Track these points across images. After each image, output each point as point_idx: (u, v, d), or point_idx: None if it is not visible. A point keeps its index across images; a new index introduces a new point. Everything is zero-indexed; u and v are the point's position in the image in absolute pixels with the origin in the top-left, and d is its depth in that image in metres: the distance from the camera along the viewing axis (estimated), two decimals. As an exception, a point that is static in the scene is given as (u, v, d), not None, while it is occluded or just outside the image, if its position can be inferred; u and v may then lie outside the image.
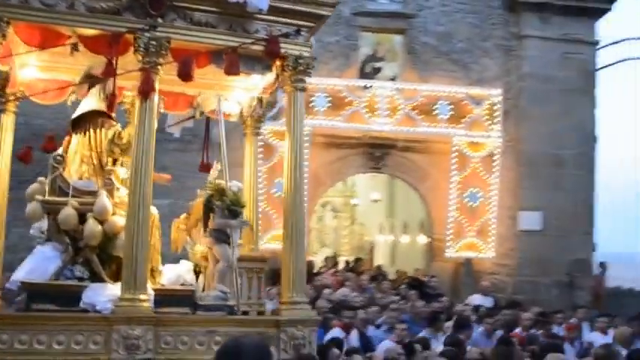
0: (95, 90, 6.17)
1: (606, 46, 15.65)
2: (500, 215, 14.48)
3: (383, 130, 14.12)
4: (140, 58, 5.39)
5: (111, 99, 5.67)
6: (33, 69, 6.10)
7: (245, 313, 5.79)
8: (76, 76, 6.26)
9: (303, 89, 5.92)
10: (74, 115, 6.14)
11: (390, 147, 14.46)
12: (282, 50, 5.70)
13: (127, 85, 6.26)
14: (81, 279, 5.58)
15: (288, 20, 5.80)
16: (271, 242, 12.16)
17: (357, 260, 17.21)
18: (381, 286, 13.00)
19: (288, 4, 5.75)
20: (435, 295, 12.27)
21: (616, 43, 15.70)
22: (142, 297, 5.25)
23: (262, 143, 12.11)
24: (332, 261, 16.76)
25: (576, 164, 14.94)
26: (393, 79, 14.73)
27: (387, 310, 10.14)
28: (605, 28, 15.90)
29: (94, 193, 5.83)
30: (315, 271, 14.63)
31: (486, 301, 12.73)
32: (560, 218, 14.47)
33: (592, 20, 15.29)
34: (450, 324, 9.71)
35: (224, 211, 5.79)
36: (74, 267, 5.64)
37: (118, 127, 6.22)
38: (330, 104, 14.02)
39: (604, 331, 10.90)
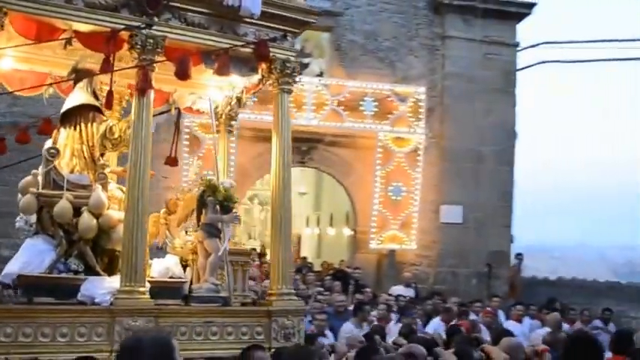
0: (82, 84, 6.13)
1: (526, 48, 16.23)
2: (423, 209, 14.89)
3: (310, 125, 14.27)
4: (136, 55, 5.46)
5: (109, 95, 5.57)
6: (9, 60, 6.00)
7: (246, 304, 6.04)
8: (54, 68, 6.27)
9: (289, 91, 6.16)
10: (64, 108, 6.09)
11: (316, 141, 14.66)
12: (271, 54, 5.88)
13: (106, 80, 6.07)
14: (76, 272, 5.58)
15: (275, 25, 5.99)
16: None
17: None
18: (305, 278, 13.22)
19: (276, 10, 5.94)
20: (359, 286, 12.60)
21: (535, 46, 16.31)
22: (142, 289, 5.32)
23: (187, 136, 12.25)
24: (258, 253, 16.86)
25: (496, 160, 15.48)
26: (320, 75, 14.93)
27: (310, 301, 10.32)
28: (525, 31, 16.53)
29: (87, 187, 5.85)
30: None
31: (408, 292, 13.17)
32: (480, 212, 15.00)
33: (513, 23, 15.86)
34: (375, 314, 10.08)
35: (216, 207, 5.96)
36: (68, 260, 5.64)
37: (109, 121, 6.22)
38: (257, 98, 14.11)
39: (519, 320, 11.43)
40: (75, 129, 6.08)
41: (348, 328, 9.09)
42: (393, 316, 10.33)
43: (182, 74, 5.52)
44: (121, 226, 5.60)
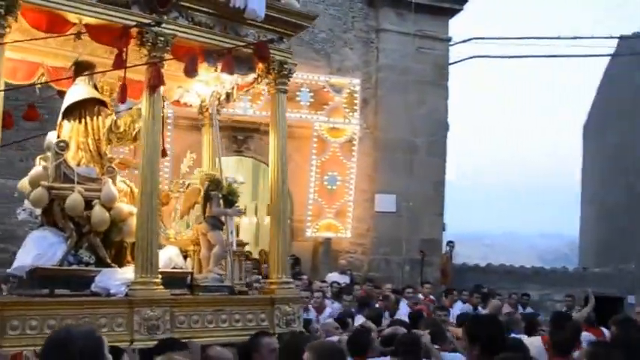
0: (84, 77, 6.17)
1: (457, 43, 16.65)
2: (358, 198, 15.15)
3: (246, 115, 14.38)
4: (146, 52, 5.54)
5: (123, 90, 5.62)
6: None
7: (242, 292, 6.29)
8: (45, 58, 6.33)
9: (285, 91, 6.43)
10: (69, 102, 6.11)
11: (252, 131, 14.77)
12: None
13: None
14: (87, 264, 5.68)
15: (273, 28, 6.22)
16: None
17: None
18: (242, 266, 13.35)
19: (277, 14, 6.18)
20: (295, 274, 12.82)
21: (466, 41, 16.74)
22: (157, 280, 5.46)
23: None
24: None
25: (429, 150, 15.85)
26: (257, 65, 15.00)
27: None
28: (457, 26, 17.00)
29: (95, 180, 5.94)
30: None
31: (343, 279, 13.49)
32: (413, 201, 15.31)
33: (445, 19, 16.17)
34: (312, 302, 10.33)
35: (220, 201, 6.24)
36: (78, 252, 5.72)
37: (114, 115, 6.30)
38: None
39: (450, 305, 11.87)
40: (80, 122, 6.14)
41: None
42: (328, 302, 10.62)
43: (191, 72, 5.69)
44: (132, 219, 5.80)
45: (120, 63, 5.34)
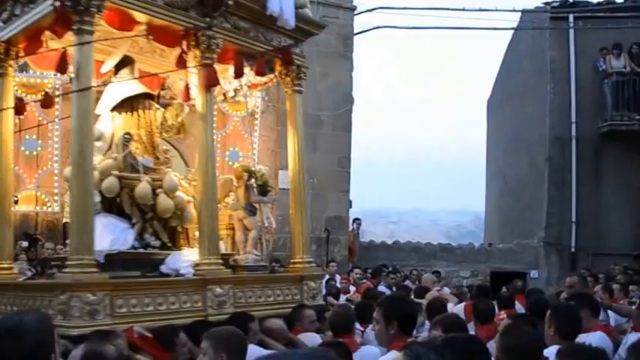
0: (125, 72, 6.43)
1: (362, 12, 16.25)
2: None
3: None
4: (200, 53, 5.88)
5: (186, 89, 6.33)
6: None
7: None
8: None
9: (301, 92, 7.03)
10: (124, 95, 6.36)
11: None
12: None
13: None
14: (153, 248, 6.14)
15: (290, 34, 6.68)
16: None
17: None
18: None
19: (297, 22, 6.55)
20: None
21: (371, 10, 16.36)
22: (219, 261, 5.99)
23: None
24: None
25: (334, 125, 15.40)
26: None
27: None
28: (362, -5, 16.52)
29: (154, 170, 6.43)
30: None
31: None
32: (317, 177, 14.88)
33: (350, -14, 15.74)
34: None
35: (254, 189, 6.94)
36: (144, 237, 6.15)
37: (162, 110, 6.79)
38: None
39: (356, 284, 11.52)
40: (132, 115, 6.49)
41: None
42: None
43: (239, 73, 6.26)
44: (190, 206, 6.44)
45: (182, 63, 5.84)
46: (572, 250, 16.07)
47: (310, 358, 1.42)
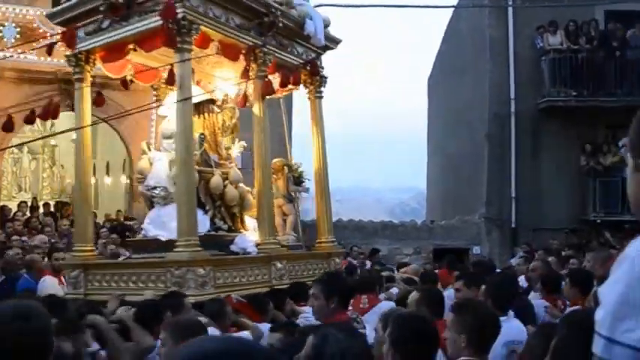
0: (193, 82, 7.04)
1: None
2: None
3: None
4: (256, 67, 6.90)
5: (244, 96, 7.50)
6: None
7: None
8: (154, 62, 7.45)
9: (322, 97, 8.26)
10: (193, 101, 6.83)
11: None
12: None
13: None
14: (223, 230, 7.16)
15: (314, 48, 7.89)
16: None
17: (61, 204, 16.27)
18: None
19: None
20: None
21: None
22: (275, 241, 7.19)
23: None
24: (26, 206, 15.53)
25: (275, 102, 15.20)
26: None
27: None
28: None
29: (220, 165, 7.37)
30: (10, 217, 13.54)
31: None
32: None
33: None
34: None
35: (292, 180, 8.34)
36: (215, 222, 7.14)
37: (221, 112, 7.67)
38: (19, 35, 12.78)
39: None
40: (198, 117, 7.29)
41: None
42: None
43: (285, 84, 7.32)
44: (249, 195, 7.46)
45: (246, 74, 6.94)
46: (513, 225, 16.32)
47: (223, 343, 1.39)
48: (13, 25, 12.74)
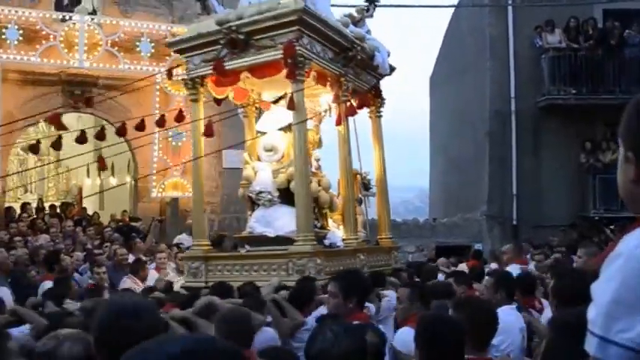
0: (283, 102, 7.51)
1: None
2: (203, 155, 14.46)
3: (82, 67, 13.37)
4: (340, 92, 7.79)
5: (338, 117, 7.84)
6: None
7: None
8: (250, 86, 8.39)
9: (381, 116, 9.22)
10: (288, 121, 7.49)
11: (90, 85, 13.81)
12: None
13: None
14: (316, 228, 7.80)
15: (375, 74, 8.90)
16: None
17: (65, 205, 16.39)
18: (86, 231, 12.54)
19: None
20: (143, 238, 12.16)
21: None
22: (356, 237, 8.18)
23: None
24: (32, 207, 15.65)
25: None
26: (92, 14, 13.90)
27: (90, 256, 10.03)
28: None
29: (314, 174, 8.11)
30: (15, 218, 13.66)
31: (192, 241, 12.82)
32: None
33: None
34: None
35: (362, 186, 9.34)
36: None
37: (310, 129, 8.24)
38: (22, 37, 12.94)
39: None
40: (285, 133, 7.93)
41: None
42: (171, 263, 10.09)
43: (362, 107, 8.27)
44: (336, 199, 8.40)
45: (337, 99, 7.83)
46: (514, 222, 16.44)
47: (194, 343, 1.39)
48: (16, 27, 12.88)
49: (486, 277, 6.39)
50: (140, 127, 7.74)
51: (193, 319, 4.58)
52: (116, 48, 13.59)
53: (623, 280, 1.44)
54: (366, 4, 8.69)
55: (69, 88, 13.82)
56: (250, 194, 8.00)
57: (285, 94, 7.46)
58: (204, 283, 7.22)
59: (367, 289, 4.88)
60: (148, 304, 2.46)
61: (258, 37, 7.06)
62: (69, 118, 17.10)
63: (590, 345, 1.47)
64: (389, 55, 8.82)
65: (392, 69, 9.15)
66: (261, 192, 7.86)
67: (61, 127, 7.28)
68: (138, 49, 13.76)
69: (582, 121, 16.09)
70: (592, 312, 1.49)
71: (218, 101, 8.28)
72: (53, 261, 8.94)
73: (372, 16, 8.73)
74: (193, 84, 7.76)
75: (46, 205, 16.80)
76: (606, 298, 1.46)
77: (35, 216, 14.45)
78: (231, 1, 8.99)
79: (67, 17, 13.40)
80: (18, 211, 14.52)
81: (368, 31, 8.57)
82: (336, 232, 8.17)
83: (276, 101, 7.63)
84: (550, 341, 2.68)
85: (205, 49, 7.39)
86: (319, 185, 8.16)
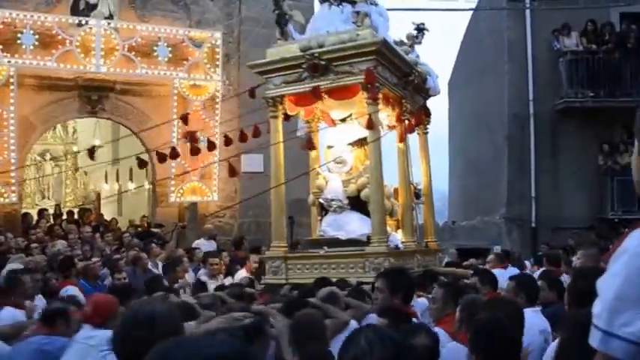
0: (351, 119, 8.68)
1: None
2: (223, 158, 14.45)
3: (99, 72, 13.40)
4: (401, 113, 8.47)
5: (403, 130, 8.55)
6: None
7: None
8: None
9: (427, 133, 9.74)
10: (359, 137, 8.50)
11: (107, 90, 13.84)
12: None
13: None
14: None
15: (423, 95, 9.43)
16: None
17: (83, 211, 16.46)
18: (104, 237, 12.56)
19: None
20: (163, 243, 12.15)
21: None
22: (413, 240, 8.84)
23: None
24: (50, 213, 15.69)
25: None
26: (109, 18, 13.86)
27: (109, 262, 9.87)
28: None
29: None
30: (32, 224, 13.72)
31: (210, 245, 12.79)
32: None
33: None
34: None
35: (413, 194, 9.38)
36: None
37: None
38: (38, 42, 12.99)
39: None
40: (359, 148, 8.68)
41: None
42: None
43: (418, 125, 9.03)
44: (395, 207, 8.83)
45: (399, 118, 8.46)
46: (533, 225, 16.35)
47: (218, 346, 1.42)
48: (32, 32, 12.94)
49: (508, 281, 6.35)
50: (174, 155, 8.65)
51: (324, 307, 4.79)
52: (133, 52, 13.58)
53: (627, 275, 1.48)
54: (416, 32, 9.41)
55: (85, 93, 13.83)
56: (322, 201, 8.76)
57: (351, 114, 8.68)
58: (284, 280, 7.99)
59: (412, 286, 5.18)
60: (164, 313, 2.39)
61: (337, 63, 7.86)
62: (87, 123, 17.28)
63: (595, 339, 1.51)
64: (437, 77, 9.64)
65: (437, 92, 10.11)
66: (332, 199, 8.63)
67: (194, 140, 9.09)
68: (155, 53, 13.77)
69: (600, 123, 16.00)
70: (597, 307, 1.53)
71: (287, 117, 8.75)
72: (68, 266, 8.80)
73: (420, 42, 9.42)
74: (274, 102, 8.39)
75: (64, 211, 16.85)
76: (610, 294, 1.50)
77: (53, 222, 14.50)
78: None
79: (84, 22, 13.38)
80: (35, 217, 14.53)
81: (417, 56, 9.23)
82: (396, 235, 8.70)
83: (344, 119, 8.81)
84: (564, 340, 2.71)
85: (287, 72, 8.15)
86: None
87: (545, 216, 16.25)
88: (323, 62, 7.79)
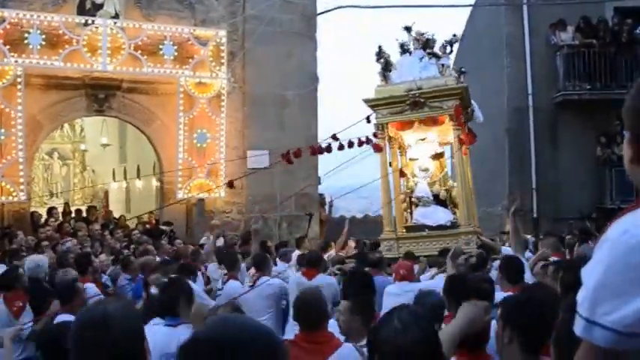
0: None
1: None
2: (229, 155, 14.69)
3: (105, 71, 13.61)
4: (457, 125, 10.48)
5: (460, 141, 10.60)
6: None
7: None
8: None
9: (469, 148, 11.22)
10: (437, 151, 11.57)
11: (113, 88, 14.04)
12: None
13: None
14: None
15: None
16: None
17: (91, 209, 16.64)
18: (113, 234, 12.74)
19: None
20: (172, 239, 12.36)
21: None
22: (473, 224, 10.83)
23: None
24: (57, 212, 15.80)
25: (300, 104, 15.61)
26: (115, 17, 14.03)
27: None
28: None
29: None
30: (41, 223, 13.88)
31: (218, 241, 12.95)
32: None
33: (311, -33, 16.00)
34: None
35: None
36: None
37: None
38: (44, 42, 13.19)
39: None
40: (437, 159, 11.63)
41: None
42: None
43: (472, 143, 11.12)
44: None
45: (462, 127, 10.64)
46: (534, 216, 16.67)
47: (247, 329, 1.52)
48: (38, 31, 13.14)
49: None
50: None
51: None
52: (139, 51, 13.78)
53: (609, 264, 1.50)
54: (448, 44, 10.99)
55: (92, 92, 14.00)
56: (414, 198, 11.22)
57: (425, 137, 11.34)
58: (397, 255, 9.86)
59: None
60: (122, 314, 2.17)
61: (431, 100, 10.32)
62: (94, 122, 17.51)
63: (578, 327, 1.54)
64: (479, 109, 11.64)
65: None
66: (422, 197, 11.12)
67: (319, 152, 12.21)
68: (161, 52, 13.98)
69: (597, 115, 16.28)
70: (580, 294, 1.55)
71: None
72: (84, 263, 8.68)
73: (451, 52, 11.24)
74: (382, 127, 10.74)
75: (72, 209, 17.01)
76: (592, 282, 1.52)
77: (62, 220, 14.61)
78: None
79: (90, 21, 13.52)
80: (44, 215, 14.67)
81: (447, 65, 11.04)
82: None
83: (423, 139, 11.41)
84: (560, 322, 2.64)
85: (392, 106, 10.56)
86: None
87: (546, 206, 16.62)
88: (421, 100, 10.30)
